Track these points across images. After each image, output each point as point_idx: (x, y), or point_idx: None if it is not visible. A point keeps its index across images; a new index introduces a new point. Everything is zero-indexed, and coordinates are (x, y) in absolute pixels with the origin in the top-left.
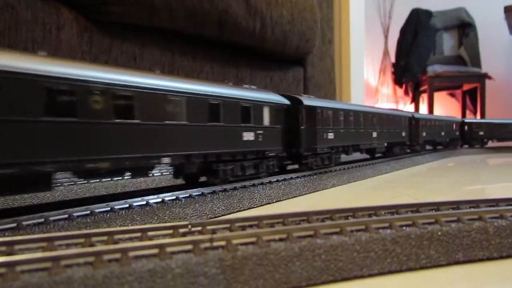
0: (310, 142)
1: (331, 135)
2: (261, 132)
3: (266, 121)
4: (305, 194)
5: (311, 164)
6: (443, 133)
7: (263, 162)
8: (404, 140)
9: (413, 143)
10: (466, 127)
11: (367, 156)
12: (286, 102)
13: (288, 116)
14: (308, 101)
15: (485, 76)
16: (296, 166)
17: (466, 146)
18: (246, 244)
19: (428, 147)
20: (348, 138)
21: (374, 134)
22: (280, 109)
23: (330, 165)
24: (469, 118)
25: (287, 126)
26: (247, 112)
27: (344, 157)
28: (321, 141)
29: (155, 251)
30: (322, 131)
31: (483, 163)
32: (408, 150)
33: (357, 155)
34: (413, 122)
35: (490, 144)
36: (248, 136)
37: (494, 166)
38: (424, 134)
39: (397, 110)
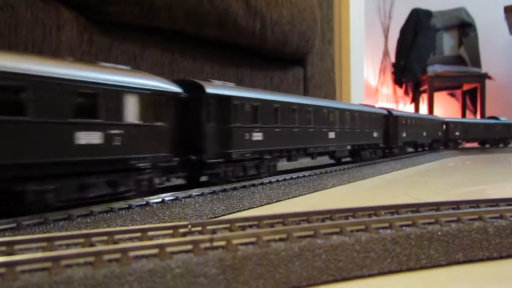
0: (220, 145)
1: (257, 136)
2: (119, 132)
3: (132, 116)
4: (305, 194)
5: (224, 174)
6: (425, 134)
7: (129, 177)
8: (377, 142)
9: (390, 145)
10: (444, 127)
11: (330, 162)
12: (175, 89)
13: (183, 110)
14: (215, 89)
15: (485, 76)
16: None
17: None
18: (246, 244)
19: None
20: (288, 139)
21: (332, 135)
22: (164, 100)
23: (258, 175)
24: (449, 118)
25: (181, 124)
26: (88, 102)
27: (288, 165)
28: (240, 144)
29: (155, 251)
30: (241, 130)
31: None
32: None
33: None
34: (390, 120)
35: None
36: (89, 138)
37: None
38: (404, 134)
39: (369, 106)
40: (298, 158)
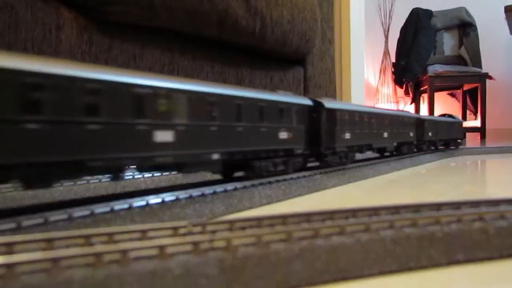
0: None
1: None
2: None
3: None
4: (305, 194)
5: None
6: (386, 135)
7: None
8: (289, 147)
9: (323, 151)
10: (418, 126)
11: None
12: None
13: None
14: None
15: (486, 76)
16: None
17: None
18: (246, 244)
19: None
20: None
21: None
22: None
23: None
24: (426, 115)
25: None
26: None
27: None
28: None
29: (155, 251)
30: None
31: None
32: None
33: None
34: (322, 115)
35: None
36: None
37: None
38: (346, 136)
39: (286, 94)
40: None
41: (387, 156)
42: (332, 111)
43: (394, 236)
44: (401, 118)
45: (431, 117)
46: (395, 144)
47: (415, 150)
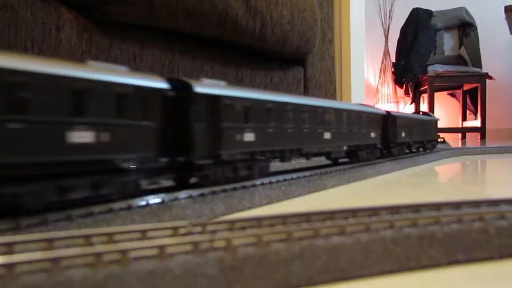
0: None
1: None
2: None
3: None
4: (305, 194)
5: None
6: (328, 136)
7: None
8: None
9: (196, 162)
10: (387, 125)
11: None
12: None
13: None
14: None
15: (486, 76)
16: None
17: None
18: (246, 244)
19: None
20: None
21: None
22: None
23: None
24: (396, 111)
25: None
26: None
27: None
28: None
29: (155, 251)
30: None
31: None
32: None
33: None
34: (190, 107)
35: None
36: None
37: None
38: (246, 137)
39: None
40: None
41: (341, 164)
42: (211, 99)
43: (394, 236)
44: (356, 114)
45: (404, 114)
46: (344, 148)
47: (380, 155)
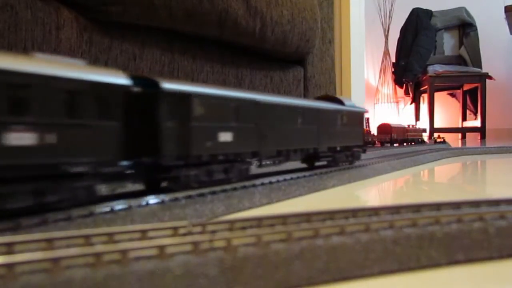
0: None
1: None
2: None
3: None
4: (305, 194)
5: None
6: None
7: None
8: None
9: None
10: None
11: None
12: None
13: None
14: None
15: (486, 76)
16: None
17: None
18: (246, 244)
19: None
20: None
21: None
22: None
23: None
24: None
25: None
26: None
27: None
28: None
29: (155, 251)
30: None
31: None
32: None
33: None
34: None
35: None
36: None
37: None
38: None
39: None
40: None
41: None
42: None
43: (394, 236)
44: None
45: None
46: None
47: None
